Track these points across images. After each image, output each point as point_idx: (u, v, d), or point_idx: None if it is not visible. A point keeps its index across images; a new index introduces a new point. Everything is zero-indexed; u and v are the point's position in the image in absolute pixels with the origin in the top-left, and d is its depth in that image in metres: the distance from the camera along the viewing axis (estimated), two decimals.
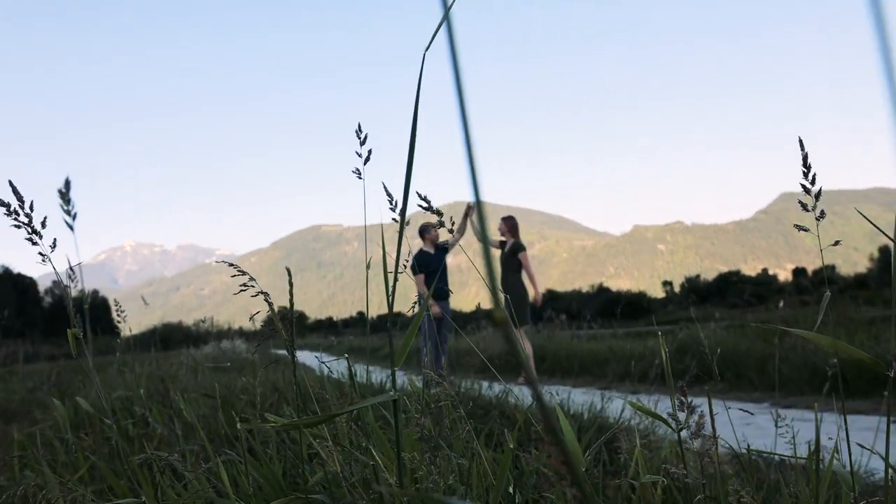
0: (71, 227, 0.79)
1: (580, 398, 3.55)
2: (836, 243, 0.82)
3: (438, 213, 1.00)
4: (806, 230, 0.81)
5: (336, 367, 4.69)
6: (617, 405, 2.97)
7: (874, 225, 0.72)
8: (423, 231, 7.09)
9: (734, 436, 3.01)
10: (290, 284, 0.67)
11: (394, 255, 0.85)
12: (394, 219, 1.15)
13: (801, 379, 5.14)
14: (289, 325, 0.81)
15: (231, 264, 0.91)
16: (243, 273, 0.87)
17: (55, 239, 0.83)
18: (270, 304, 0.88)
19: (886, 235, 0.71)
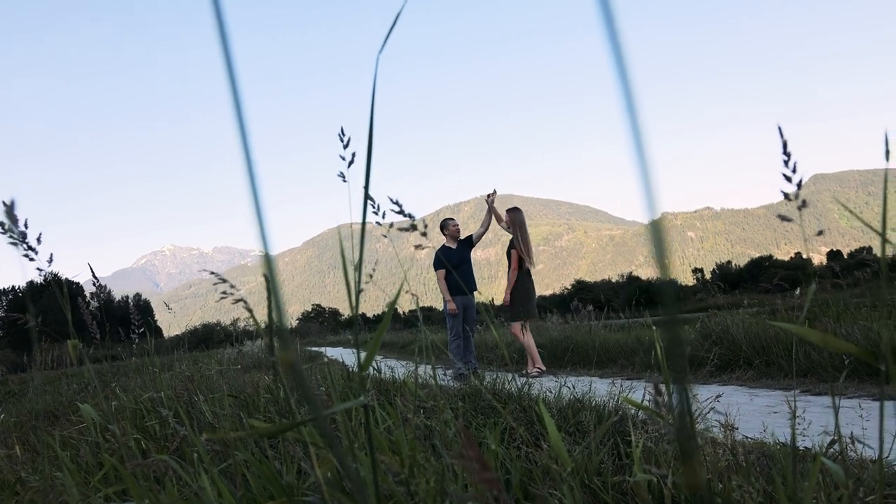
0: (31, 248, 0.82)
1: (603, 389, 3.52)
2: (820, 233, 0.80)
3: (410, 216, 1.01)
4: (789, 220, 0.79)
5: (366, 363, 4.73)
6: (636, 396, 2.94)
7: (858, 217, 0.70)
8: (443, 226, 7.08)
9: (759, 425, 2.96)
10: (269, 290, 0.69)
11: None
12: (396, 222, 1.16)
13: (833, 366, 5.01)
14: (270, 328, 0.83)
15: (212, 272, 0.93)
16: (224, 281, 0.90)
17: (52, 254, 0.86)
18: (251, 311, 0.90)
19: (871, 228, 0.69)
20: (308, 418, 0.64)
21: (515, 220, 6.92)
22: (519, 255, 6.81)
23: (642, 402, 1.58)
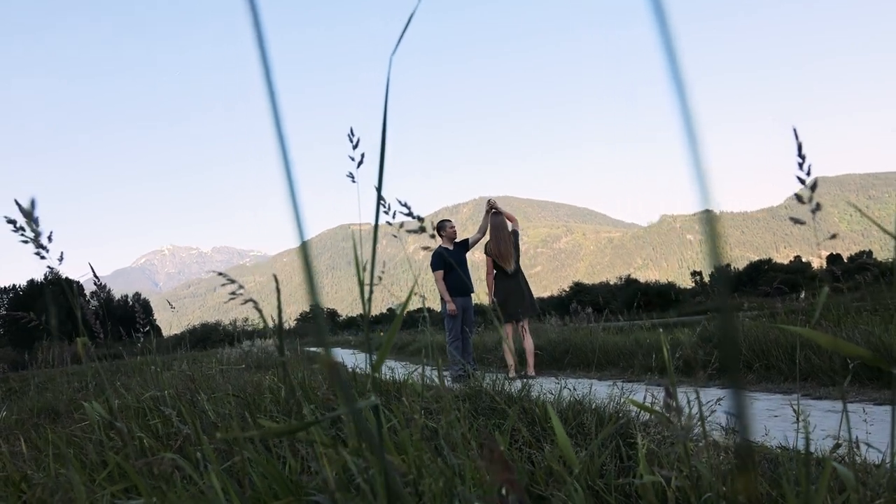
0: (42, 247, 0.82)
1: (604, 391, 3.52)
2: (833, 236, 0.80)
3: (420, 218, 1.01)
4: (802, 223, 0.79)
5: (363, 362, 4.74)
6: (637, 399, 2.94)
7: (870, 219, 0.70)
8: (440, 228, 7.08)
9: (760, 428, 2.96)
10: (278, 291, 0.69)
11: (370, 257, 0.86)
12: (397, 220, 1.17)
13: (833, 369, 5.01)
14: (279, 328, 0.84)
15: (220, 273, 0.94)
16: (233, 281, 0.90)
17: (62, 252, 0.86)
18: (260, 312, 0.91)
19: (886, 231, 0.69)
20: (322, 418, 0.64)
21: (492, 222, 7.00)
22: (493, 259, 6.90)
23: (643, 403, 1.58)
